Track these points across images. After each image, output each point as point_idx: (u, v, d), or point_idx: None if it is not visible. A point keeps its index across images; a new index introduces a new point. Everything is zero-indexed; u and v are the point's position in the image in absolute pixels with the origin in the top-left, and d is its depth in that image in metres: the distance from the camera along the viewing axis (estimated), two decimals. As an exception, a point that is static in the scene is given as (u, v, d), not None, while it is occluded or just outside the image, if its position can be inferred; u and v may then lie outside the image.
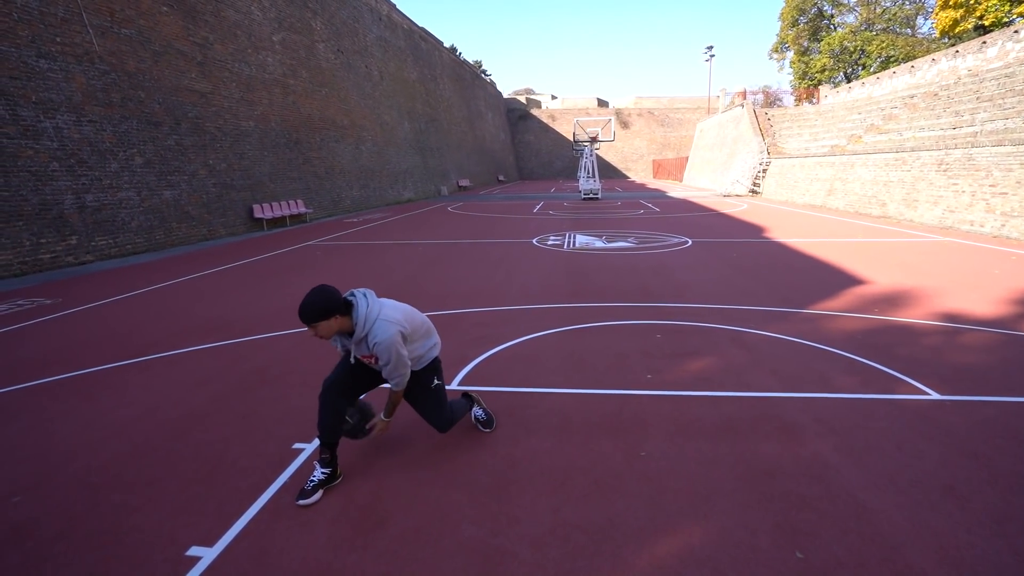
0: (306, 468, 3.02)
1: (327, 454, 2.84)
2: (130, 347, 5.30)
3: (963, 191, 12.77)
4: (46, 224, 10.09)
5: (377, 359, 2.71)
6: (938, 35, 31.46)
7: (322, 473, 2.81)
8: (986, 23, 27.01)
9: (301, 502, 2.70)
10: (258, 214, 16.32)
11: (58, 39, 10.66)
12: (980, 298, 6.31)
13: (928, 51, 31.64)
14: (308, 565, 2.28)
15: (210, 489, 2.85)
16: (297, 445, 3.27)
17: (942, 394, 3.76)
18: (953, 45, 25.53)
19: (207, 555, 2.35)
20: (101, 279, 9.08)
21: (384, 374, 2.77)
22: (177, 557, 2.35)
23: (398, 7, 32.06)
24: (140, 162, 12.40)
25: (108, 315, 6.63)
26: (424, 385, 3.00)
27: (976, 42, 20.13)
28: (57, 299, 7.59)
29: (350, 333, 2.71)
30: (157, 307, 6.96)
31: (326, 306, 2.55)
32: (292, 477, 2.94)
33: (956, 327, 5.29)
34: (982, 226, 11.87)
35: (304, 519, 2.58)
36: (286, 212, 17.57)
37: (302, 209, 18.50)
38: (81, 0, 11.19)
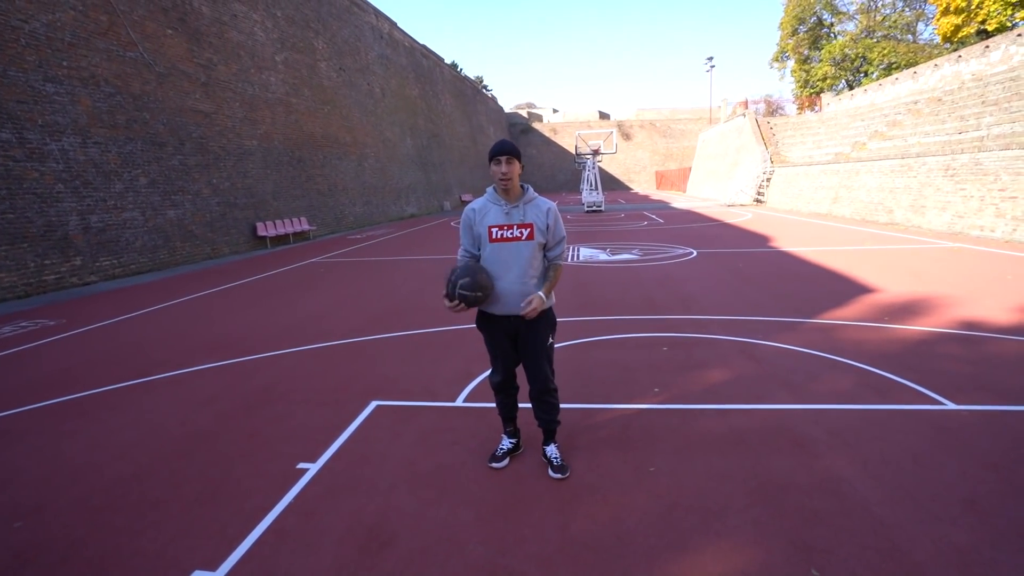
0: (311, 489, 2.97)
1: (511, 427, 3.22)
2: (134, 367, 5.29)
3: (971, 196, 12.70)
4: (51, 245, 10.16)
5: (549, 226, 2.83)
6: (940, 41, 31.53)
7: (509, 443, 3.21)
8: (989, 28, 27.00)
9: (493, 465, 3.13)
10: (261, 232, 16.42)
11: (64, 63, 10.83)
12: (994, 305, 6.22)
13: (930, 57, 31.68)
14: (312, 590, 2.23)
15: (214, 511, 2.80)
16: (302, 465, 3.23)
17: (959, 404, 3.68)
18: (956, 50, 25.51)
19: (209, 580, 2.31)
20: (105, 300, 9.11)
21: (551, 241, 2.87)
22: (179, 583, 2.30)
23: (399, 25, 32.48)
24: (144, 182, 12.52)
25: (112, 335, 6.63)
26: (538, 338, 2.92)
27: (979, 46, 20.16)
28: (61, 320, 7.61)
29: (506, 199, 2.82)
30: (161, 327, 6.96)
31: (519, 151, 2.77)
32: (297, 498, 2.89)
33: (970, 335, 5.20)
34: (992, 231, 11.77)
35: (309, 541, 2.53)
36: (289, 230, 17.67)
37: (305, 227, 18.60)
38: (137, 38, 11.38)
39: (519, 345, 2.97)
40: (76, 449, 3.59)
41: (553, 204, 2.91)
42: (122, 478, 3.18)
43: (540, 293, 2.77)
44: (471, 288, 2.72)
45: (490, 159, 2.76)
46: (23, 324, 7.43)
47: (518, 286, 2.79)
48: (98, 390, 4.69)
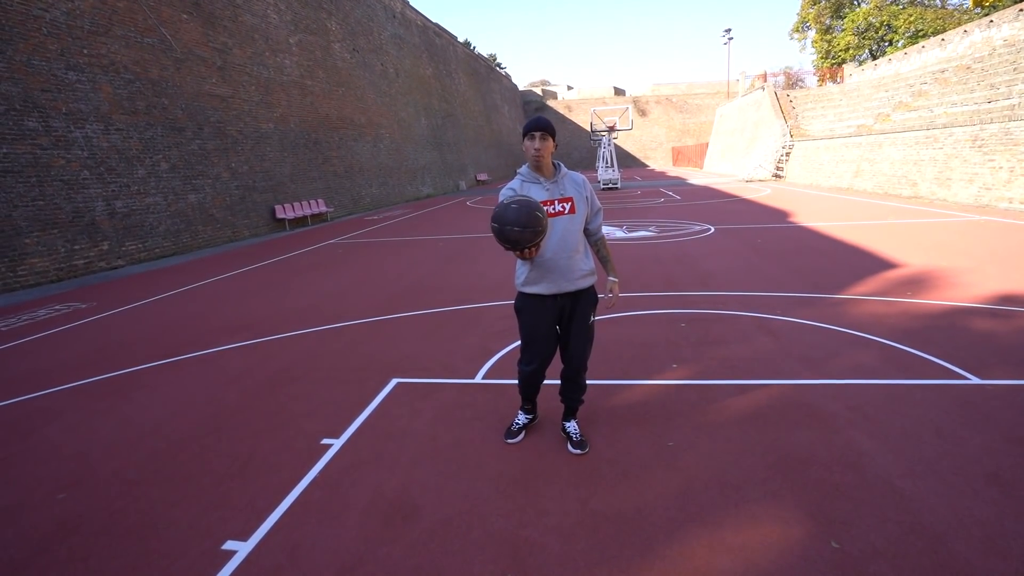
0: (336, 463, 3.06)
1: (529, 406, 3.26)
2: (162, 348, 5.44)
3: (1000, 167, 12.29)
4: (79, 231, 10.40)
5: (587, 197, 2.87)
6: (971, 5, 30.17)
7: (525, 419, 3.26)
8: (1023, -10, 25.69)
9: (509, 441, 3.19)
10: (280, 214, 16.59)
11: (85, 51, 10.94)
12: (1021, 279, 6.07)
13: (960, 23, 30.37)
14: (340, 558, 2.31)
15: (243, 484, 2.91)
16: (325, 440, 3.32)
17: (983, 378, 3.63)
18: (987, 14, 24.39)
19: (242, 549, 2.40)
20: (132, 283, 9.33)
21: (591, 212, 2.92)
22: (214, 550, 2.40)
23: (411, 4, 32.08)
24: (166, 167, 12.69)
25: (140, 317, 6.81)
26: (584, 315, 2.91)
27: (1013, 10, 19.26)
28: (92, 303, 7.82)
29: (542, 175, 2.81)
30: (186, 308, 7.13)
31: (554, 129, 2.80)
32: (322, 472, 2.98)
33: (996, 308, 5.10)
34: (1022, 203, 11.42)
35: (335, 513, 2.62)
36: (307, 212, 17.82)
37: (323, 208, 18.73)
38: (156, 19, 11.45)
39: (565, 325, 2.92)
40: (111, 426, 3.73)
41: (584, 176, 2.92)
42: (156, 453, 3.31)
43: (613, 278, 2.96)
44: (526, 224, 2.41)
45: (524, 134, 2.76)
46: (57, 307, 7.67)
47: (564, 260, 2.77)
48: (129, 370, 4.85)
